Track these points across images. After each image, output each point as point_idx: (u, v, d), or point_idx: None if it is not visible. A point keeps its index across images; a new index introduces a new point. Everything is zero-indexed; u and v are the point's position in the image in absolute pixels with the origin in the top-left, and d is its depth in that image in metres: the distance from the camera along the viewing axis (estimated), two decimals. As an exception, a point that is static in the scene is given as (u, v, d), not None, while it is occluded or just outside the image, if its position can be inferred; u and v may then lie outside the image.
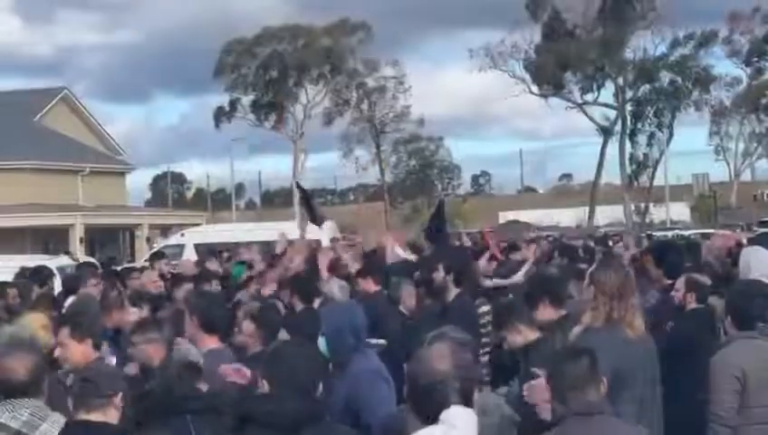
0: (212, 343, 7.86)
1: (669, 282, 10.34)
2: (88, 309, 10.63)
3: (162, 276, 15.41)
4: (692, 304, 9.78)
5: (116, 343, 9.95)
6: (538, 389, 6.05)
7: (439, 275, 11.31)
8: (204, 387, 6.45)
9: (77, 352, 7.76)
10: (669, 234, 41.70)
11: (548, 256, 18.03)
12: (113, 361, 8.83)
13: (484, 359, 10.45)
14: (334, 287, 11.85)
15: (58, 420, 5.84)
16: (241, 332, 8.90)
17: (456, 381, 4.57)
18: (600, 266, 7.09)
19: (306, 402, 5.18)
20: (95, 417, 5.73)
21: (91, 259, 24.82)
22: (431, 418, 4.51)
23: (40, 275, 14.69)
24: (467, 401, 4.59)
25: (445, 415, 4.40)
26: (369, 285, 11.85)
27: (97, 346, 7.91)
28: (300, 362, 5.29)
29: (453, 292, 10.91)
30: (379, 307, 11.06)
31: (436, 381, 4.55)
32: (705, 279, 10.77)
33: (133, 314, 10.72)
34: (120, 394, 5.82)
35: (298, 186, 25.76)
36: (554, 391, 5.56)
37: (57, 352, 7.90)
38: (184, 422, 6.02)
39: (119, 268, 19.16)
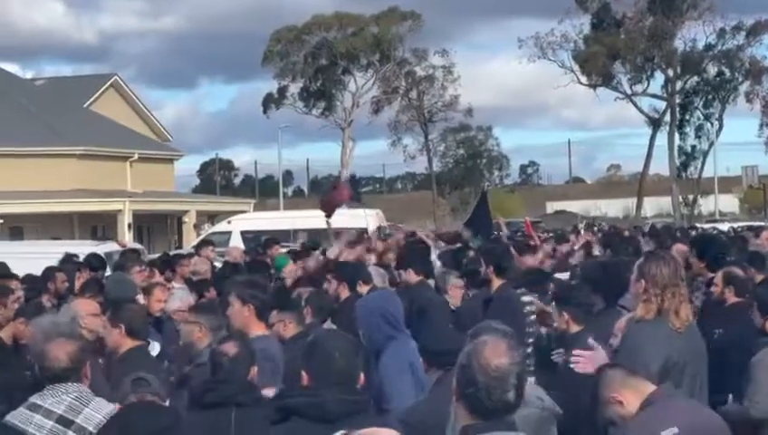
0: (261, 329, 8.04)
1: (711, 275, 10.27)
2: (123, 293, 10.77)
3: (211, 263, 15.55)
4: (732, 299, 9.65)
5: (158, 329, 10.04)
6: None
7: (482, 268, 11.31)
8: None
9: (110, 337, 8.16)
10: (724, 226, 41.04)
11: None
12: (156, 346, 8.91)
13: (528, 349, 10.42)
14: (374, 275, 11.84)
15: (101, 405, 5.91)
16: None
17: (514, 377, 4.49)
18: (648, 259, 7.04)
19: (347, 394, 5.18)
20: None
21: (138, 245, 24.90)
22: (487, 415, 4.44)
23: (92, 261, 14.81)
24: (520, 397, 4.52)
25: None
26: (410, 276, 11.84)
27: (133, 332, 8.08)
28: (339, 353, 5.28)
29: (496, 283, 10.88)
30: (423, 297, 11.07)
31: (496, 377, 4.45)
32: (753, 272, 10.71)
33: (180, 300, 10.79)
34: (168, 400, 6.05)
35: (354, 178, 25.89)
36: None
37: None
38: (227, 413, 6.07)
39: (170, 253, 19.36)
